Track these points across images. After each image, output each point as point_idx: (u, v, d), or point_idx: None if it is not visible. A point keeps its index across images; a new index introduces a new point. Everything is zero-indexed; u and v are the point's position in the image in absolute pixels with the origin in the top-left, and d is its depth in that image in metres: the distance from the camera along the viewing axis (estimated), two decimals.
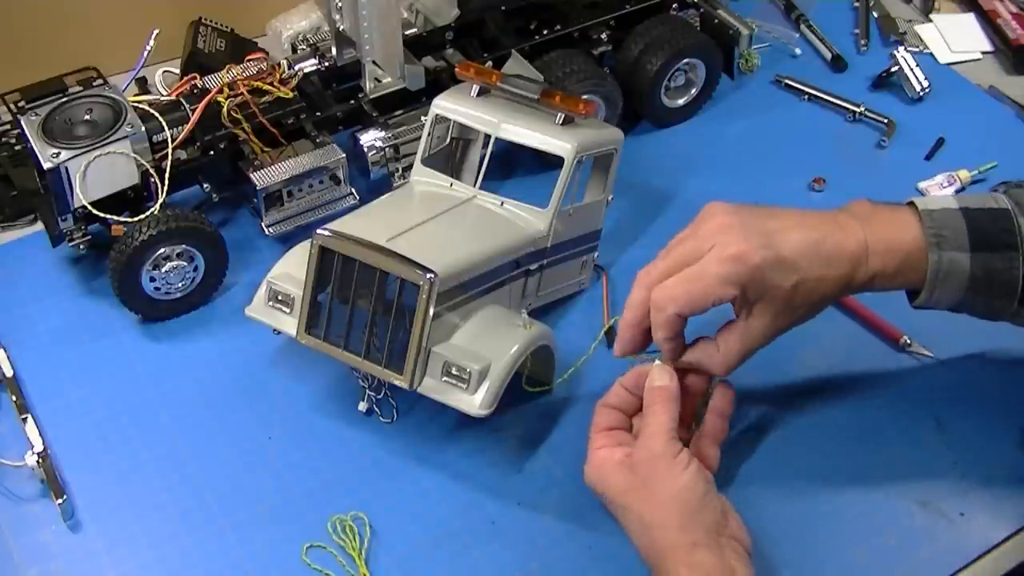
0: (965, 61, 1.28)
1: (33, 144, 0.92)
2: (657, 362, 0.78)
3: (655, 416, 0.75)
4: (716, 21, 1.18)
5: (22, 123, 0.94)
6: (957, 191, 1.09)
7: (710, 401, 0.81)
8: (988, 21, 1.32)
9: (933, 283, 0.78)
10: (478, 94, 0.93)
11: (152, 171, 0.95)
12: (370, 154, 1.03)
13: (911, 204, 0.79)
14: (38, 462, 0.83)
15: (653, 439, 0.74)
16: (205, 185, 1.01)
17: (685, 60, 1.14)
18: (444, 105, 0.94)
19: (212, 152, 0.99)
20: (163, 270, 0.94)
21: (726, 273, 0.73)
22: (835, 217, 0.78)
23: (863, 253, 0.76)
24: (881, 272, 0.77)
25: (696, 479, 0.73)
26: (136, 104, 0.96)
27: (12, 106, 1.00)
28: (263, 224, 1.00)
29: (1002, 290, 0.78)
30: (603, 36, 1.15)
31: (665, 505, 0.72)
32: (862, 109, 1.19)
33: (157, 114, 0.96)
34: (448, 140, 0.98)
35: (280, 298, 0.86)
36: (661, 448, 0.74)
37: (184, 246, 0.94)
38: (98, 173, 0.92)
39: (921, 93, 1.21)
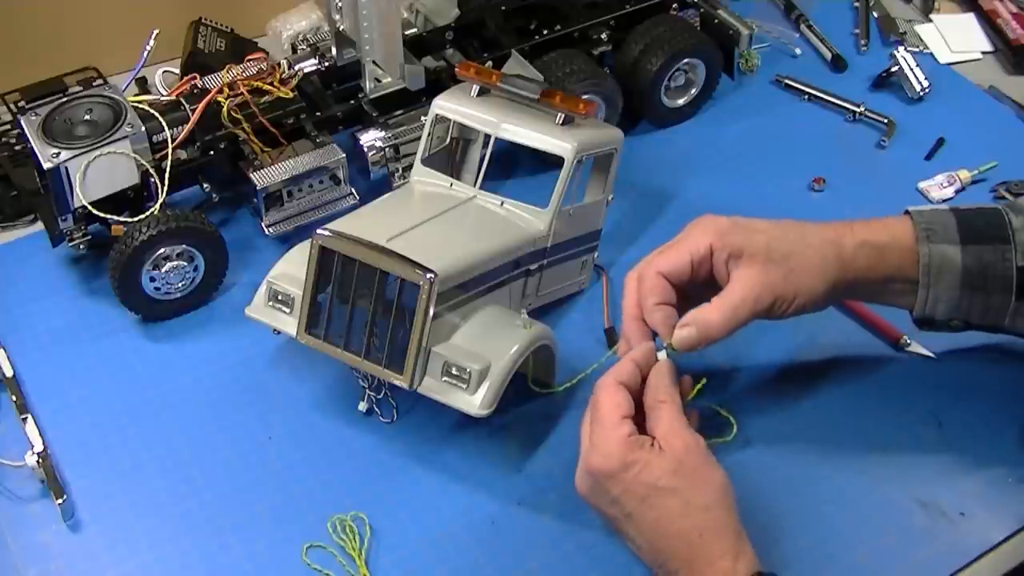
0: (965, 61, 1.29)
1: (33, 144, 0.92)
2: (662, 353, 0.79)
3: (674, 412, 0.75)
4: (716, 21, 1.18)
5: (22, 123, 0.94)
6: (957, 191, 1.09)
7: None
8: (988, 21, 1.32)
9: (927, 278, 0.79)
10: (478, 94, 0.93)
11: (152, 171, 0.95)
12: (370, 154, 1.03)
13: (906, 212, 0.82)
14: (38, 462, 0.83)
15: (683, 433, 0.74)
16: (205, 185, 1.01)
17: (685, 60, 1.14)
18: (444, 105, 0.94)
19: (212, 152, 0.99)
20: (163, 270, 0.94)
21: (698, 231, 0.80)
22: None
23: (847, 228, 0.81)
24: (869, 241, 0.80)
25: (727, 477, 0.74)
26: (136, 104, 0.96)
27: (12, 106, 1.00)
28: (263, 224, 1.00)
29: (997, 284, 0.79)
30: (603, 36, 1.15)
31: (716, 489, 0.73)
32: (862, 109, 1.19)
33: (157, 114, 0.96)
34: (448, 140, 0.98)
35: (280, 298, 0.86)
36: (695, 442, 0.74)
37: (184, 246, 0.94)
38: (98, 173, 0.92)
39: (921, 93, 1.21)
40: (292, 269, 0.86)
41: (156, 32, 1.06)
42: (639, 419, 0.76)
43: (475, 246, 0.85)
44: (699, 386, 0.81)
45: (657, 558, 0.73)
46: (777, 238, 0.79)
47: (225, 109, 0.98)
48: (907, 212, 0.82)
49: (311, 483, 0.85)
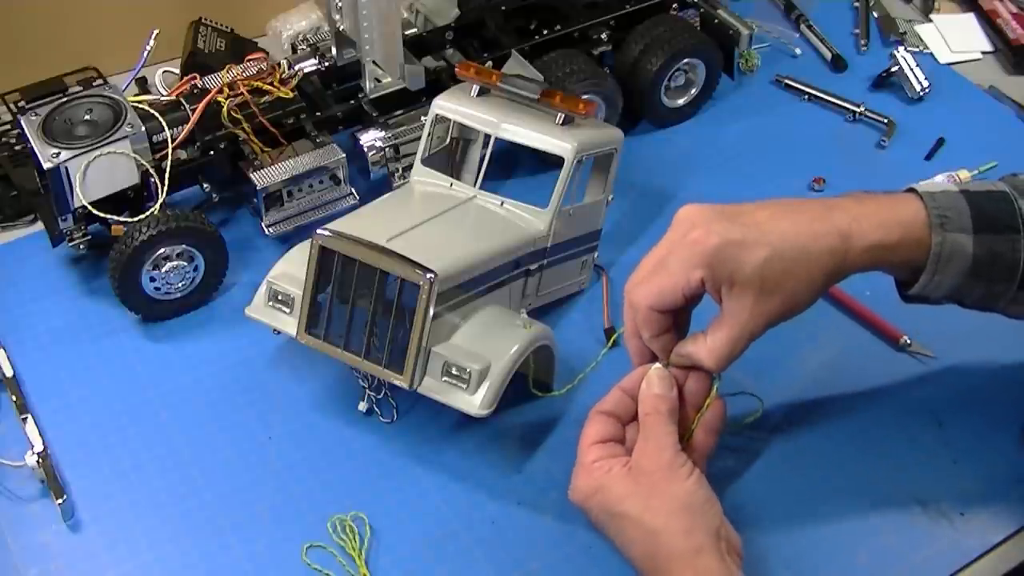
0: (965, 61, 1.29)
1: (33, 144, 0.92)
2: (656, 365, 0.77)
3: (655, 427, 0.74)
4: (716, 21, 1.18)
5: (22, 123, 0.94)
6: None
7: (701, 417, 0.78)
8: (988, 21, 1.32)
9: (935, 266, 0.75)
10: (478, 94, 0.93)
11: (152, 171, 0.95)
12: (370, 154, 1.03)
13: (910, 189, 0.78)
14: (38, 462, 0.83)
15: (654, 450, 0.73)
16: (205, 185, 1.01)
17: (685, 60, 1.14)
18: (444, 105, 0.94)
19: (212, 152, 0.99)
20: (163, 270, 0.94)
21: (686, 258, 0.72)
22: (824, 200, 0.76)
23: (855, 226, 0.73)
24: (880, 244, 0.74)
25: (698, 484, 0.73)
26: (136, 104, 0.96)
27: (12, 106, 1.00)
28: (263, 224, 1.00)
29: (1003, 274, 0.76)
30: (603, 36, 1.15)
31: (669, 510, 0.71)
32: (862, 109, 1.19)
33: (157, 114, 0.96)
34: (448, 140, 0.98)
35: (280, 298, 0.86)
36: (663, 458, 0.73)
37: (184, 246, 0.94)
38: (98, 173, 0.92)
39: (921, 93, 1.21)
40: (292, 269, 0.86)
41: (156, 32, 1.05)
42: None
43: (475, 246, 0.85)
44: (715, 386, 0.78)
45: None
46: (770, 261, 0.71)
47: (225, 109, 0.98)
48: (912, 190, 0.77)
49: (311, 483, 0.85)
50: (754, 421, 0.86)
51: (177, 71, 1.14)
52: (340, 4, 1.02)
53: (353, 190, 1.02)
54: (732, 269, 0.71)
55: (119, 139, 0.93)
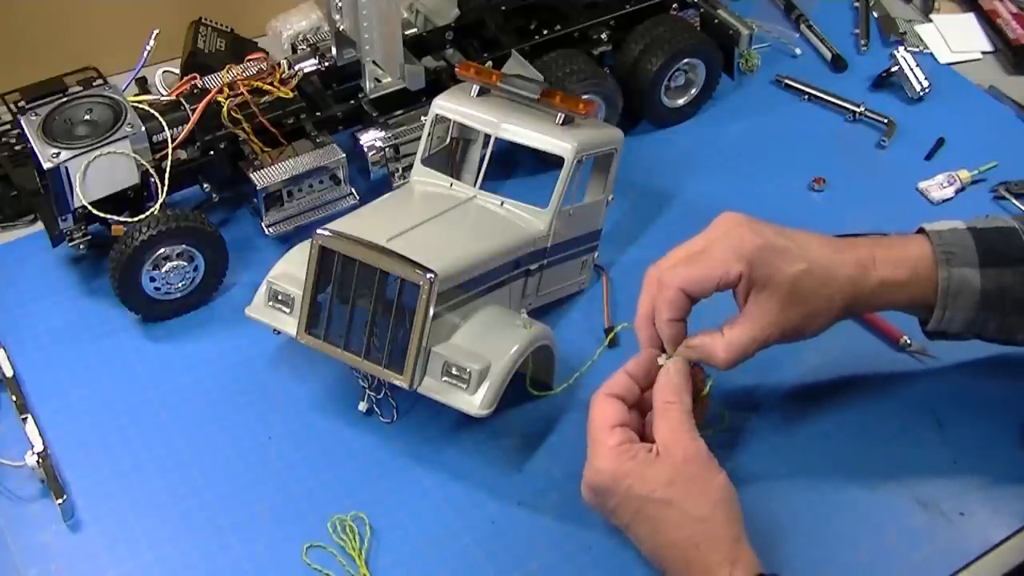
0: (965, 61, 1.29)
1: (33, 144, 0.92)
2: (673, 356, 0.78)
3: (678, 416, 0.75)
4: (716, 21, 1.18)
5: (22, 123, 0.94)
6: (957, 191, 1.09)
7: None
8: (988, 21, 1.32)
9: (944, 300, 0.79)
10: (478, 94, 0.93)
11: (152, 171, 0.95)
12: (370, 154, 1.03)
13: (920, 229, 0.81)
14: (38, 462, 0.83)
15: (686, 440, 0.74)
16: (205, 185, 1.01)
17: (685, 60, 1.14)
18: (444, 105, 0.94)
19: (212, 152, 0.99)
20: (163, 270, 0.94)
21: (731, 250, 0.75)
22: (844, 237, 0.80)
23: (870, 260, 0.78)
24: (889, 279, 0.78)
25: (727, 479, 0.74)
26: (136, 104, 0.96)
27: (12, 106, 1.00)
28: (263, 224, 1.00)
29: (1015, 305, 0.79)
30: (603, 36, 1.15)
31: (714, 499, 0.72)
32: (862, 109, 1.19)
33: (157, 114, 0.96)
34: (448, 140, 0.98)
35: (280, 298, 0.86)
36: (700, 449, 0.74)
37: (184, 246, 0.94)
38: (98, 173, 0.92)
39: (921, 93, 1.21)
40: (292, 269, 0.86)
41: (156, 32, 1.06)
42: (642, 424, 0.77)
43: (475, 246, 0.85)
44: (710, 383, 0.80)
45: (659, 564, 0.74)
46: (804, 275, 0.76)
47: (225, 109, 0.98)
48: (922, 230, 0.81)
49: (311, 483, 0.85)
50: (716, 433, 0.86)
51: (177, 71, 1.14)
52: (340, 4, 1.02)
53: (353, 190, 1.02)
54: (769, 273, 0.75)
55: (119, 139, 0.93)
